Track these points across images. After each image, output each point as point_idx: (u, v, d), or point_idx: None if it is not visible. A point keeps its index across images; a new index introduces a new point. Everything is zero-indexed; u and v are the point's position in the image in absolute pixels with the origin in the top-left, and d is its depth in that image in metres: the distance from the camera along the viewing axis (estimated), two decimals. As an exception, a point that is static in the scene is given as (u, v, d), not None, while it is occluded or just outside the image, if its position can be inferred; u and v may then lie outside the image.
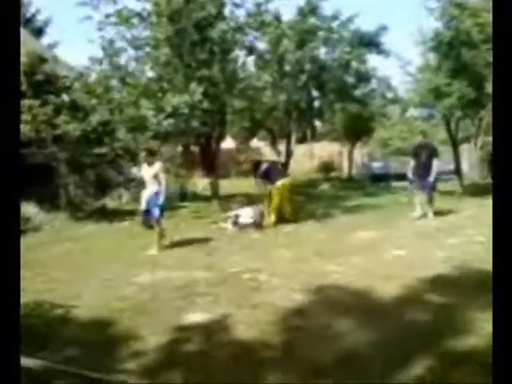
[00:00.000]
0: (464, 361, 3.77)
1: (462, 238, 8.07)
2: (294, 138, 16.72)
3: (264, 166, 10.50)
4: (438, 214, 10.39)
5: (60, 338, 4.28)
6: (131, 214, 11.71)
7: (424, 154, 10.42)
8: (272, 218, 9.91)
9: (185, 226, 10.04)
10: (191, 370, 3.78)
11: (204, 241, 8.60)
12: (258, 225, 9.53)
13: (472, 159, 18.22)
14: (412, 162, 10.54)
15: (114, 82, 12.37)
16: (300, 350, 4.07)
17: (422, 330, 4.38)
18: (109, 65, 12.21)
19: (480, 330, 4.29)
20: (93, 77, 12.78)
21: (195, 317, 4.87)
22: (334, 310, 4.92)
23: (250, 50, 13.48)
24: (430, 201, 10.28)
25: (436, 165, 10.23)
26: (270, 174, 10.25)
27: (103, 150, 11.79)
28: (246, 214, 9.72)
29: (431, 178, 10.23)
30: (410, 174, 10.50)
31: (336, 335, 4.32)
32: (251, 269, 6.54)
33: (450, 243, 7.74)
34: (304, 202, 12.57)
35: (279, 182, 10.09)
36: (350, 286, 5.65)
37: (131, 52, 12.24)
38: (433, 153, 10.47)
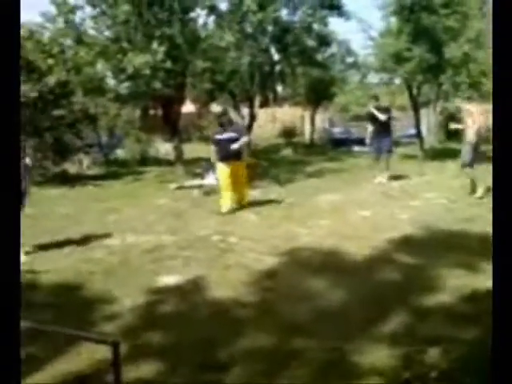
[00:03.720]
0: (433, 315, 3.92)
1: (424, 199, 8.29)
2: (256, 102, 16.58)
3: (216, 136, 8.19)
4: (400, 177, 10.63)
5: (31, 303, 4.17)
6: (93, 178, 11.46)
7: (389, 118, 10.69)
8: (224, 201, 7.93)
9: (150, 190, 9.88)
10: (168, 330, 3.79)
11: (171, 205, 8.51)
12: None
13: (431, 124, 18.59)
14: (369, 127, 10.74)
15: (70, 42, 11.87)
16: (275, 309, 4.13)
17: (392, 287, 4.51)
18: (63, 23, 11.68)
19: (445, 286, 4.47)
20: (46, 35, 12.24)
21: (168, 279, 4.85)
22: (306, 270, 5.00)
23: (211, 10, 13.15)
24: (386, 163, 10.56)
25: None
26: (220, 145, 8.02)
27: (61, 112, 11.36)
28: (212, 179, 9.66)
29: (387, 141, 10.56)
30: (367, 139, 10.75)
31: (309, 295, 4.40)
32: (220, 232, 6.53)
33: (413, 205, 7.95)
34: (267, 167, 12.58)
35: (222, 165, 7.99)
36: (320, 247, 5.74)
37: (87, 10, 11.73)
38: (389, 116, 10.72)
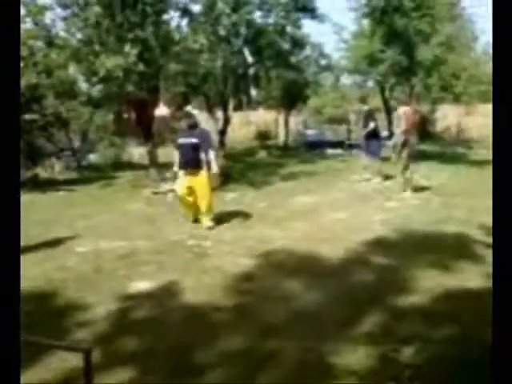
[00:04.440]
0: (407, 315, 3.95)
1: (399, 201, 8.38)
2: (231, 106, 16.53)
3: (178, 140, 7.29)
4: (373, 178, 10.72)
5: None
6: (65, 183, 11.26)
7: (370, 120, 10.76)
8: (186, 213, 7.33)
9: (123, 195, 9.75)
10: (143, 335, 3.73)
11: (145, 210, 8.41)
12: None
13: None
14: (360, 128, 10.89)
15: (40, 44, 11.67)
16: (251, 312, 4.10)
17: (367, 289, 4.53)
18: (33, 24, 11.47)
19: (419, 287, 4.52)
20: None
21: (142, 285, 4.78)
22: (281, 273, 4.99)
23: (184, 12, 13.09)
24: (379, 166, 10.65)
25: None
26: (180, 150, 7.13)
27: (32, 116, 11.14)
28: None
29: (379, 143, 10.82)
30: (360, 140, 10.86)
31: (285, 297, 4.39)
32: (195, 236, 6.48)
33: (387, 206, 8.02)
34: (243, 170, 12.55)
35: (180, 173, 7.12)
36: (295, 249, 5.73)
37: (58, 11, 11.54)
38: (374, 119, 10.91)
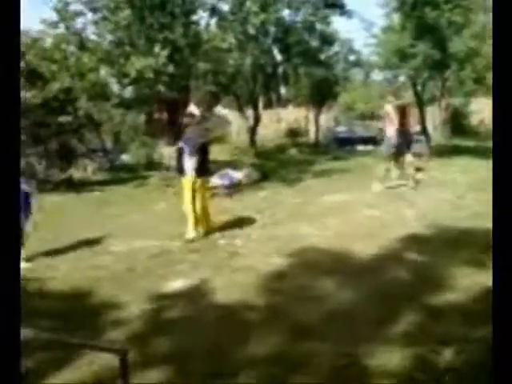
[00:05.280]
0: (446, 314, 3.86)
1: (433, 197, 8.21)
2: (260, 104, 16.55)
3: (187, 137, 6.48)
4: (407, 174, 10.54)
5: (38, 311, 4.13)
6: (99, 184, 11.44)
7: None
8: (190, 226, 6.45)
9: (155, 194, 9.83)
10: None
11: (176, 209, 8.45)
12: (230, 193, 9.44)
13: (436, 121, 18.46)
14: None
15: (72, 48, 11.88)
16: (284, 311, 4.07)
17: (403, 287, 4.44)
18: (65, 29, 11.69)
19: (456, 284, 4.40)
20: (48, 42, 12.27)
21: (175, 284, 4.80)
22: (314, 271, 4.94)
23: (213, 12, 13.14)
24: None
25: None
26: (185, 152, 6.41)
27: (66, 118, 11.36)
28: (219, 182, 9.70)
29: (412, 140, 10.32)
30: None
31: (318, 296, 4.34)
32: (228, 235, 6.48)
33: (421, 202, 7.86)
34: (274, 168, 12.53)
35: (190, 177, 6.37)
36: (328, 247, 5.67)
37: (89, 15, 11.74)
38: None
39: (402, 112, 9.18)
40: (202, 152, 6.49)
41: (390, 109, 9.20)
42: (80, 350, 3.20)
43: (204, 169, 6.55)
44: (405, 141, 9.24)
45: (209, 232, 6.54)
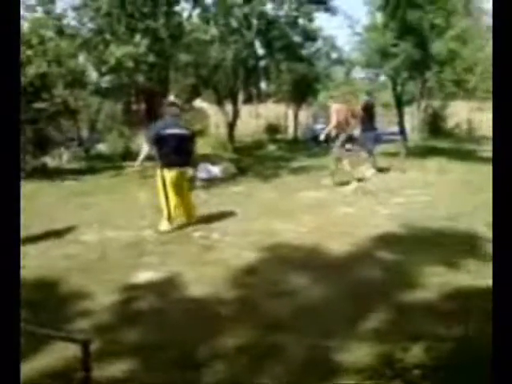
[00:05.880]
0: (416, 312, 3.88)
1: (407, 196, 8.27)
2: (240, 98, 16.44)
3: (158, 126, 6.53)
4: (383, 173, 10.63)
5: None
6: (73, 172, 11.25)
7: (371, 113, 11.10)
8: (164, 220, 6.40)
9: (131, 185, 9.71)
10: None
11: (152, 199, 8.35)
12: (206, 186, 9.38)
13: (414, 121, 18.65)
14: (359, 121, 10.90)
15: (51, 33, 11.63)
16: (256, 306, 4.04)
17: (375, 284, 4.45)
18: (43, 13, 11.46)
19: (428, 283, 4.43)
20: (25, 26, 12.00)
21: (146, 275, 4.74)
22: (288, 266, 4.92)
23: (196, 2, 13.02)
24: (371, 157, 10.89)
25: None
26: (164, 144, 6.32)
27: (42, 105, 11.13)
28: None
29: (373, 135, 11.04)
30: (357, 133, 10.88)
31: (291, 291, 4.32)
32: (203, 227, 6.42)
33: (396, 202, 7.91)
34: (251, 163, 12.49)
35: (170, 171, 6.30)
36: (302, 243, 5.66)
37: (69, 0, 11.53)
38: (374, 111, 11.37)
39: (347, 112, 9.63)
40: (188, 144, 6.48)
41: (335, 107, 9.59)
42: (45, 339, 3.12)
43: (189, 160, 6.53)
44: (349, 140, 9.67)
45: (185, 224, 6.47)
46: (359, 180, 9.62)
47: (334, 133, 9.50)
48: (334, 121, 9.44)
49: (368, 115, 11.00)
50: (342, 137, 9.49)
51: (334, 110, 9.55)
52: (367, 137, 10.82)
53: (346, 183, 9.46)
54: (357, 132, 10.94)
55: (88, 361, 1.97)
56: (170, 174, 6.32)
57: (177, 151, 6.30)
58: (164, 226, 6.33)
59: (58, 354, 3.12)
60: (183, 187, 6.51)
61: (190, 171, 6.67)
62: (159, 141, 6.36)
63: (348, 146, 9.67)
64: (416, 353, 3.24)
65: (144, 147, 6.68)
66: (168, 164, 6.31)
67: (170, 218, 6.36)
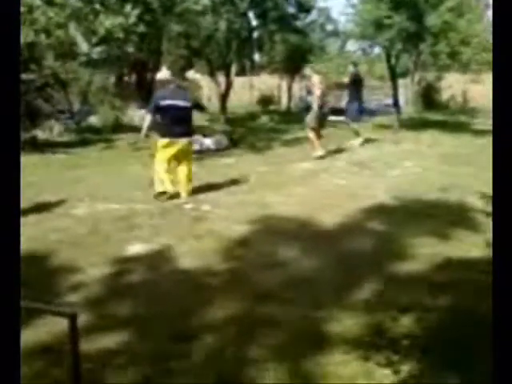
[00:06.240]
0: (406, 283, 3.90)
1: (399, 169, 8.26)
2: (233, 70, 16.23)
3: (159, 96, 6.63)
4: (375, 146, 10.62)
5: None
6: (64, 145, 11.13)
7: (359, 85, 11.47)
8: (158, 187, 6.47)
9: (122, 158, 9.64)
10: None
11: (143, 172, 8.30)
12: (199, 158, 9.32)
13: (408, 94, 18.51)
14: (346, 92, 11.57)
15: (38, 1, 11.35)
16: (247, 277, 4.05)
17: (366, 256, 4.47)
18: (32, -20, 11.15)
19: (418, 254, 4.45)
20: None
21: (137, 248, 4.73)
22: (280, 238, 4.92)
23: (188, -28, 12.72)
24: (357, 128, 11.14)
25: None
26: (166, 114, 6.42)
27: (31, 76, 10.93)
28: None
29: (358, 106, 11.34)
30: (344, 104, 11.20)
31: (282, 263, 4.33)
32: (194, 200, 6.40)
33: (388, 174, 7.91)
34: (244, 135, 12.41)
35: (166, 141, 6.42)
36: (294, 215, 5.66)
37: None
38: (361, 82, 11.71)
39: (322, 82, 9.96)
40: (189, 114, 6.58)
41: (316, 79, 9.85)
42: (32, 313, 3.11)
43: (190, 131, 6.66)
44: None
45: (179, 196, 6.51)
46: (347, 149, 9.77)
47: (319, 103, 9.64)
48: (318, 91, 9.62)
49: (354, 86, 11.35)
50: (326, 107, 9.87)
51: (316, 81, 9.77)
52: (352, 107, 11.22)
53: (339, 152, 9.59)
54: (343, 103, 11.20)
55: (75, 334, 1.96)
56: (170, 145, 6.41)
57: (178, 122, 6.37)
58: (160, 189, 6.37)
59: (48, 327, 3.11)
60: (184, 158, 6.57)
61: (191, 142, 6.76)
62: (160, 111, 6.44)
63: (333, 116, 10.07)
64: (406, 323, 3.26)
65: (147, 117, 6.74)
66: (169, 134, 6.40)
67: (166, 188, 6.40)
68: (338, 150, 10.19)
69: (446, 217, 5.50)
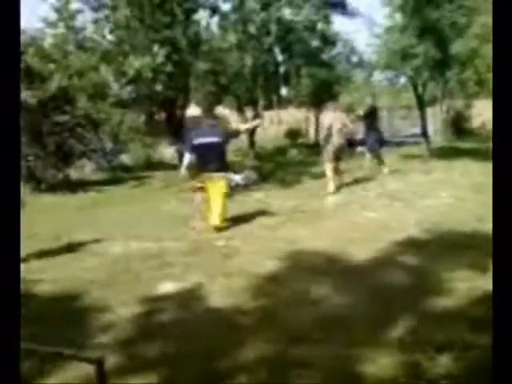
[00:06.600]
0: (443, 319, 3.76)
1: (431, 199, 8.11)
2: (261, 105, 16.44)
3: (194, 133, 7.08)
4: (404, 176, 10.50)
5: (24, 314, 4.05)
6: (96, 184, 11.36)
7: (374, 116, 11.73)
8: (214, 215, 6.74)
9: (154, 195, 9.76)
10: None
11: (176, 209, 8.36)
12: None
13: (437, 123, 18.35)
14: (364, 125, 11.79)
15: (71, 47, 11.81)
16: (279, 316, 3.97)
17: (400, 291, 4.34)
18: (65, 28, 11.63)
19: (454, 289, 4.30)
20: (47, 41, 12.20)
21: (169, 286, 4.72)
22: (311, 274, 4.84)
23: (214, 11, 13.06)
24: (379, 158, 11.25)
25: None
26: (203, 152, 6.73)
27: (64, 118, 11.29)
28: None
29: (379, 138, 11.58)
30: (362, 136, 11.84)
31: (314, 300, 4.24)
32: (224, 236, 6.39)
33: (420, 205, 7.76)
34: (273, 169, 12.45)
35: (212, 178, 6.74)
36: (324, 249, 5.57)
37: (88, 14, 11.69)
38: (375, 113, 12.02)
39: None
40: (222, 150, 6.89)
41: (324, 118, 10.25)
42: (56, 359, 3.09)
43: (224, 166, 6.90)
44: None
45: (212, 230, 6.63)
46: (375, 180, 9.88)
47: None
48: (323, 130, 9.85)
49: (370, 118, 11.56)
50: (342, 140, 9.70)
51: (324, 119, 10.08)
52: (371, 139, 11.41)
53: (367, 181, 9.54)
54: (359, 136, 11.30)
55: (103, 380, 1.94)
56: (207, 181, 6.71)
57: (212, 158, 6.66)
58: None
59: (76, 372, 3.09)
60: (218, 194, 6.76)
61: (226, 177, 6.93)
62: (194, 149, 6.78)
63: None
64: (443, 362, 3.13)
65: (186, 155, 7.03)
66: (204, 171, 6.71)
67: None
68: (366, 180, 10.11)
69: (483, 248, 5.31)
